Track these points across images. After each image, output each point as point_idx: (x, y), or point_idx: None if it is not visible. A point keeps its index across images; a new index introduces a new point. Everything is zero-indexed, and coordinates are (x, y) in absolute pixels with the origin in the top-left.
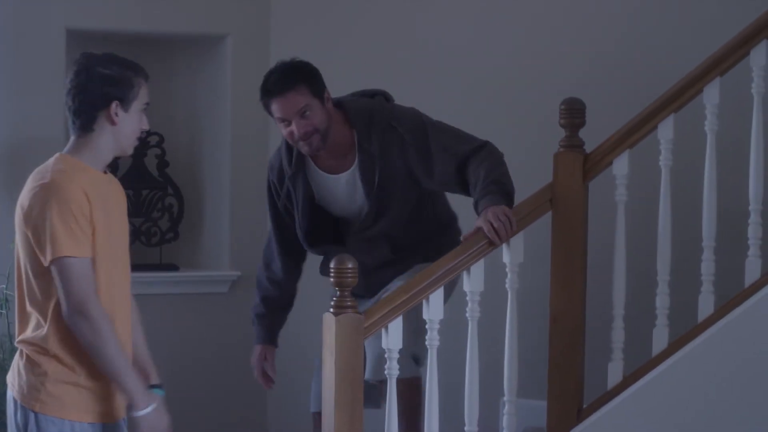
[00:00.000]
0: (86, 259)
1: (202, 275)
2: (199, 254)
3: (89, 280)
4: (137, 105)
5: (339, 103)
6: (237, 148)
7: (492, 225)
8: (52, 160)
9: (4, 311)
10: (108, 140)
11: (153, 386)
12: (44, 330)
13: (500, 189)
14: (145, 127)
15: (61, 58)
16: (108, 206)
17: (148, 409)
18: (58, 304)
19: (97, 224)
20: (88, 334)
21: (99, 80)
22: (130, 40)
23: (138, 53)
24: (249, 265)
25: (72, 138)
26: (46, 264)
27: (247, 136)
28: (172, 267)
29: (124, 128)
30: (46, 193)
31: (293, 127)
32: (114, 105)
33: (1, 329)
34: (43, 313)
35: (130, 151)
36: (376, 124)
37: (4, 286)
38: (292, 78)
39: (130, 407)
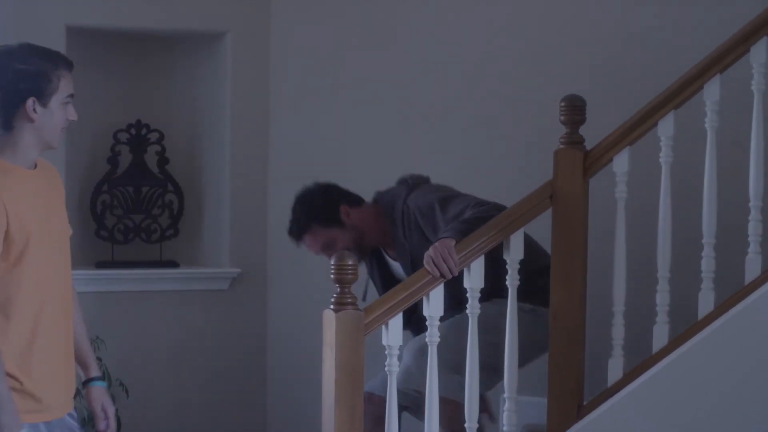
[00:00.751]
0: None
1: (202, 272)
2: (200, 251)
3: None
4: (58, 98)
5: (375, 200)
6: (237, 144)
7: (432, 260)
8: None
9: None
10: (29, 137)
11: (92, 379)
12: None
13: (458, 226)
14: (72, 117)
15: None
16: (38, 201)
17: None
18: None
19: (14, 224)
20: None
21: (13, 76)
22: (130, 37)
23: (138, 50)
24: (249, 262)
25: None
26: None
27: (246, 133)
28: (173, 264)
29: (44, 124)
30: None
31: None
32: (30, 101)
33: None
34: None
35: (56, 144)
36: (396, 211)
37: None
38: (302, 223)
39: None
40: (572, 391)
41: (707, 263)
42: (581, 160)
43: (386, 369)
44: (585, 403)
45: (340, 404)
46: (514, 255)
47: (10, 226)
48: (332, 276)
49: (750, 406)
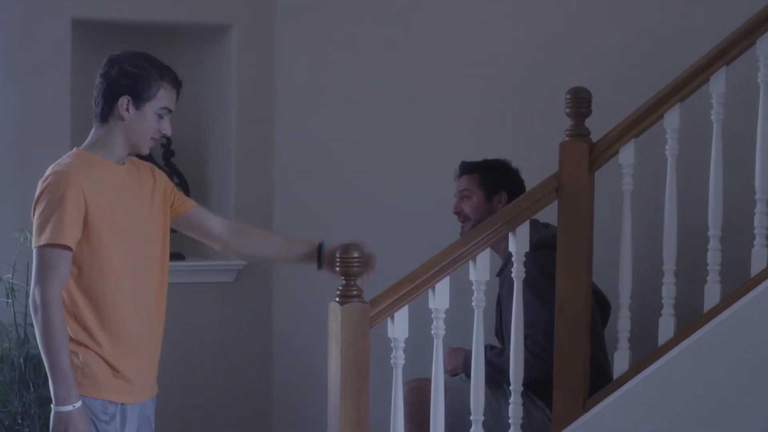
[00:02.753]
0: (63, 251)
1: (208, 264)
2: (205, 244)
3: (55, 271)
4: (153, 106)
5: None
6: (242, 137)
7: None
8: (66, 153)
9: (10, 300)
10: (119, 134)
11: (321, 245)
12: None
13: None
14: (165, 131)
15: (66, 48)
16: (122, 195)
17: (69, 408)
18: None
19: (93, 210)
20: (38, 318)
21: (118, 72)
22: (135, 29)
23: (143, 43)
24: (256, 259)
25: (91, 132)
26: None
27: (252, 125)
28: (179, 256)
29: (133, 125)
30: (44, 186)
31: None
32: (125, 99)
33: (8, 318)
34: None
35: (144, 150)
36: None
37: (10, 275)
38: (477, 166)
39: (54, 402)
40: (578, 384)
41: (713, 256)
42: (587, 152)
43: (392, 362)
44: (590, 395)
45: (345, 396)
46: (519, 247)
47: (89, 212)
48: (337, 268)
49: (756, 398)
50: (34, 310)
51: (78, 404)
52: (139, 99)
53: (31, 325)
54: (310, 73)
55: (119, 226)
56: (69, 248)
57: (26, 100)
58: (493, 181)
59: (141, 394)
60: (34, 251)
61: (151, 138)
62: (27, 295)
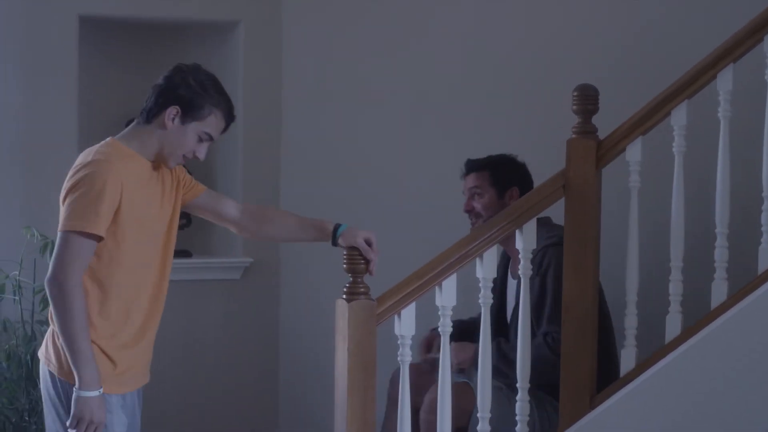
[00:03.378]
0: (90, 240)
1: (215, 262)
2: (212, 241)
3: (82, 257)
4: (197, 126)
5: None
6: (249, 133)
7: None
8: (102, 143)
9: (17, 298)
10: (155, 140)
11: (337, 227)
12: None
13: (499, 355)
14: (199, 155)
15: (73, 45)
16: (147, 192)
17: (93, 393)
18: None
19: (125, 205)
20: (59, 303)
21: (180, 81)
22: (142, 26)
23: (150, 39)
24: (261, 252)
25: (131, 125)
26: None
27: (259, 122)
28: (185, 253)
29: (171, 137)
30: (83, 171)
31: None
32: (173, 109)
33: (15, 316)
34: None
35: (170, 164)
36: (539, 242)
37: (17, 272)
38: (485, 163)
39: (77, 385)
40: (585, 381)
41: (720, 253)
42: (594, 149)
43: (399, 359)
44: (597, 392)
45: (352, 394)
46: (527, 244)
47: (121, 205)
48: (344, 266)
49: (764, 396)
50: (56, 293)
51: (101, 390)
52: (187, 114)
53: (38, 322)
54: (317, 70)
55: (142, 221)
56: (100, 238)
57: (33, 96)
58: (504, 177)
59: (134, 384)
60: (63, 234)
61: (183, 156)
62: (34, 293)
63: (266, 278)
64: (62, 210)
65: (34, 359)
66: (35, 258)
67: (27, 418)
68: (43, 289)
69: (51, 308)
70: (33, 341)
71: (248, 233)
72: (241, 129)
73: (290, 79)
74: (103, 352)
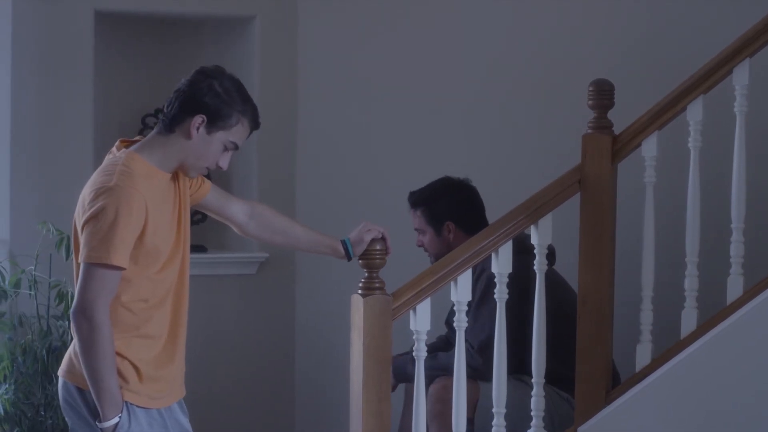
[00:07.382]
0: (115, 271)
1: (230, 257)
2: (227, 236)
3: (108, 289)
4: (223, 135)
5: None
6: (264, 128)
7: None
8: (122, 156)
9: (33, 293)
10: (177, 150)
11: (343, 242)
12: None
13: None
14: (222, 165)
15: (89, 41)
16: (166, 207)
17: (112, 422)
18: None
19: (149, 229)
20: (86, 334)
21: (206, 88)
22: (157, 21)
23: (166, 34)
24: (277, 247)
25: (151, 133)
26: (79, 261)
27: (274, 117)
28: (201, 248)
29: (195, 147)
30: (107, 197)
31: None
32: (199, 118)
33: (31, 310)
34: None
35: (191, 174)
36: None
37: (33, 267)
38: (421, 199)
39: (99, 417)
40: (600, 376)
41: (736, 248)
42: (609, 144)
43: (413, 354)
44: (613, 388)
45: (368, 389)
46: (542, 240)
47: (146, 229)
48: (360, 261)
49: None
50: (85, 327)
51: (121, 415)
52: (214, 124)
53: (54, 317)
54: (333, 64)
55: (165, 237)
56: (124, 269)
57: (49, 92)
58: (437, 214)
59: (171, 398)
60: (87, 266)
61: (206, 167)
62: (50, 287)
63: (282, 273)
64: (85, 236)
65: (50, 354)
66: (51, 253)
67: (43, 413)
68: (59, 284)
69: (76, 342)
70: (49, 336)
71: (252, 237)
72: None
73: (306, 74)
74: (137, 368)
